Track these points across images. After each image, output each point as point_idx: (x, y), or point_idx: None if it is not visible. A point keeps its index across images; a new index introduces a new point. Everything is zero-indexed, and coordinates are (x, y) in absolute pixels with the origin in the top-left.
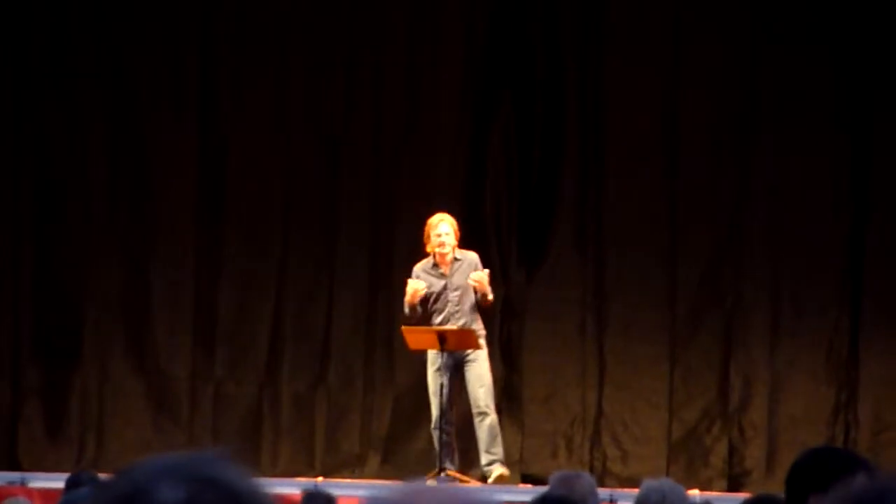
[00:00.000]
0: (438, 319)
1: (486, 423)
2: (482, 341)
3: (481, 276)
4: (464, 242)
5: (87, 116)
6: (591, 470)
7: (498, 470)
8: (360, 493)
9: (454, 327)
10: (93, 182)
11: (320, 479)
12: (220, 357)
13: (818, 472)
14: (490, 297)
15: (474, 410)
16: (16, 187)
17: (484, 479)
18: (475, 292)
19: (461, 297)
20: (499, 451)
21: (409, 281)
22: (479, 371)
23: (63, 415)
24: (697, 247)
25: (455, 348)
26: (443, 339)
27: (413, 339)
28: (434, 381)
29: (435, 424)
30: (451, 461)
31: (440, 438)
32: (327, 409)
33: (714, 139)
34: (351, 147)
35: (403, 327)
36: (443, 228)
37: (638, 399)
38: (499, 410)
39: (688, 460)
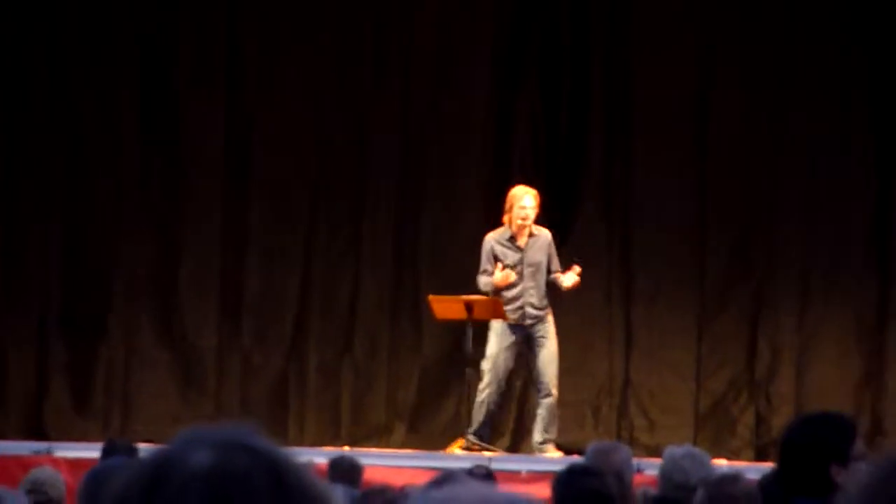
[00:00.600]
0: (512, 293)
1: (549, 402)
2: (550, 318)
3: (576, 280)
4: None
5: (117, 93)
6: (619, 440)
7: (551, 451)
8: (387, 462)
9: (530, 300)
10: (122, 157)
11: (347, 448)
12: (246, 328)
13: (835, 442)
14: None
15: (540, 388)
16: (46, 162)
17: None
18: (555, 279)
19: (535, 273)
20: (554, 431)
21: (505, 272)
22: (552, 349)
23: (90, 386)
24: (726, 218)
25: (482, 318)
26: (470, 308)
27: (440, 308)
28: (501, 353)
29: (486, 395)
30: (483, 434)
31: (487, 409)
32: (353, 380)
33: (744, 113)
34: (379, 122)
35: (430, 296)
36: (527, 202)
37: (665, 369)
38: (525, 382)
39: (715, 430)
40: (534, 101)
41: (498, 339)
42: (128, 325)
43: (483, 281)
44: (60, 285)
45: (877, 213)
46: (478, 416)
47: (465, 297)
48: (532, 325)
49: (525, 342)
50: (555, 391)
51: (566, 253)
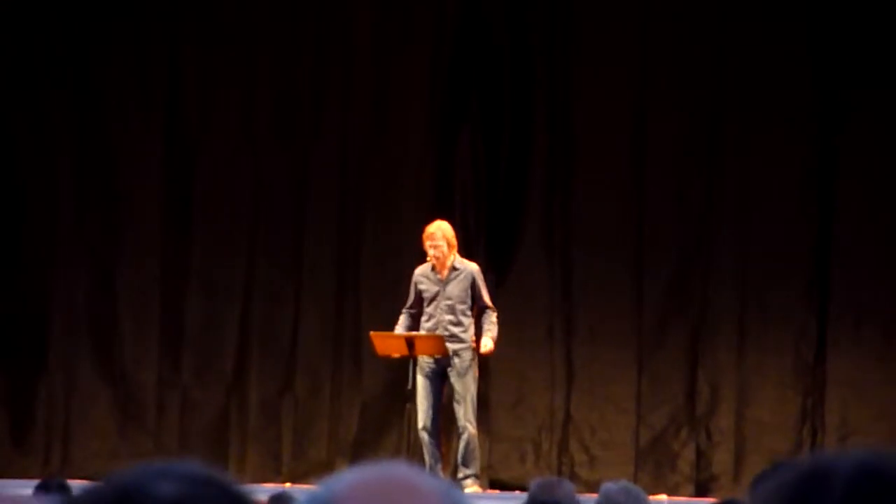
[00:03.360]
0: (428, 325)
1: (464, 438)
2: (468, 353)
3: (489, 349)
4: None
5: (52, 120)
6: (559, 475)
7: (471, 487)
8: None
9: (444, 334)
10: (59, 187)
11: (288, 485)
12: (186, 364)
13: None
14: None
15: (456, 423)
16: None
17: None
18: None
19: (452, 307)
20: (475, 467)
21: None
22: (463, 384)
23: (29, 422)
24: (664, 253)
25: (423, 353)
26: (411, 344)
27: (381, 344)
28: (423, 386)
29: (423, 428)
30: (437, 469)
31: (430, 445)
32: (294, 416)
33: (681, 147)
34: (319, 154)
35: (371, 333)
36: (434, 241)
37: (606, 404)
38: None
39: (655, 465)
40: (475, 136)
41: (420, 371)
42: (67, 360)
43: (400, 319)
44: None
45: (815, 247)
46: (426, 454)
47: (405, 333)
48: (447, 359)
49: (441, 374)
50: (469, 427)
51: (507, 290)
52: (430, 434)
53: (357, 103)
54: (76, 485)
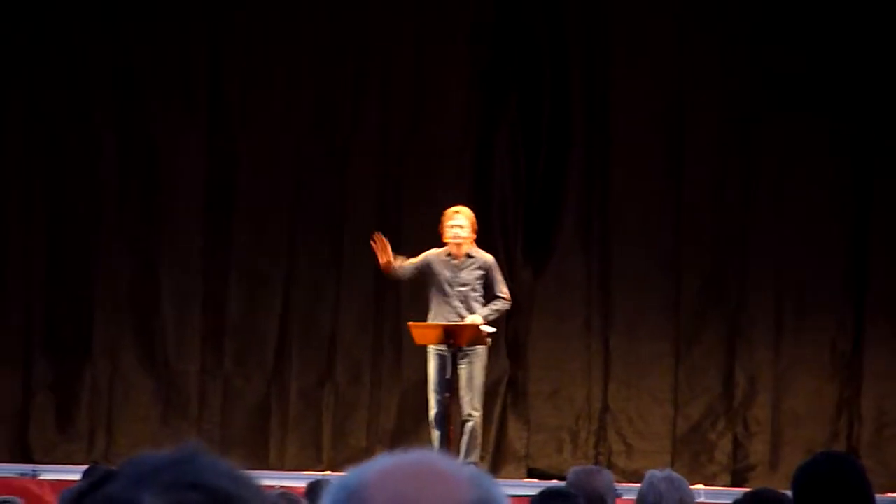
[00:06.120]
0: (444, 311)
1: (468, 427)
2: (488, 330)
3: (476, 322)
4: None
5: (97, 115)
6: (596, 464)
7: None
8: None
9: (455, 320)
10: (103, 179)
11: (328, 473)
12: (228, 352)
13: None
14: (487, 338)
15: (461, 411)
16: (27, 185)
17: None
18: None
19: (465, 293)
20: (474, 455)
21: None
22: (471, 373)
23: (73, 409)
24: (702, 245)
25: (461, 344)
26: (449, 334)
27: (419, 334)
28: (433, 375)
29: (434, 419)
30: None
31: (439, 435)
32: (334, 404)
33: (718, 139)
34: (358, 147)
35: (410, 323)
36: (457, 220)
37: (643, 395)
38: (504, 406)
39: (692, 455)
40: (513, 127)
41: (432, 361)
42: (111, 348)
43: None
44: (44, 307)
45: (852, 238)
46: (435, 443)
47: (444, 323)
48: (458, 351)
49: (452, 362)
50: (474, 415)
51: (544, 282)
52: (440, 424)
53: (396, 100)
54: None
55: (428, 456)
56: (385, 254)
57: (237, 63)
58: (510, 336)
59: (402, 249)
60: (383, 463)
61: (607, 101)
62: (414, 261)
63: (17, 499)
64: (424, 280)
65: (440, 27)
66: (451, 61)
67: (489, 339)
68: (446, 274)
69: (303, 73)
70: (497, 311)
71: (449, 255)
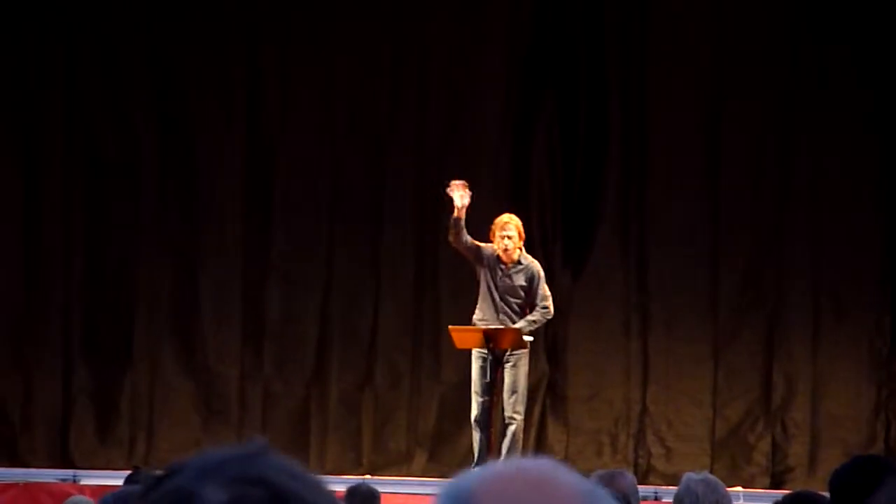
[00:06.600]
0: (488, 315)
1: (510, 431)
2: (527, 339)
3: (520, 328)
4: None
5: (136, 119)
6: (636, 467)
7: None
8: (407, 489)
9: (498, 326)
10: (142, 184)
11: (367, 476)
12: (268, 357)
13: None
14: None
15: (503, 414)
16: (66, 190)
17: None
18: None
19: (511, 299)
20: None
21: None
22: (515, 377)
23: (114, 415)
24: (739, 248)
25: (501, 347)
26: (489, 337)
27: (460, 337)
28: (477, 378)
29: (475, 420)
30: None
31: (480, 436)
32: (374, 408)
33: (755, 141)
34: (396, 149)
35: (450, 327)
36: (508, 231)
37: (682, 397)
38: (543, 410)
39: (731, 458)
40: (550, 130)
41: (475, 363)
42: (151, 354)
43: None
44: (83, 313)
45: (889, 241)
46: (475, 444)
47: (484, 327)
48: (501, 354)
49: (495, 366)
50: (516, 419)
51: (583, 284)
52: (482, 426)
53: (433, 101)
54: None
55: (541, 465)
56: (464, 198)
57: (275, 66)
58: (549, 339)
59: (440, 252)
60: (494, 470)
61: (644, 100)
62: (475, 242)
63: (84, 498)
64: (474, 266)
65: (477, 28)
66: (488, 61)
67: (528, 343)
68: (494, 275)
69: (339, 76)
70: (535, 321)
71: (499, 258)
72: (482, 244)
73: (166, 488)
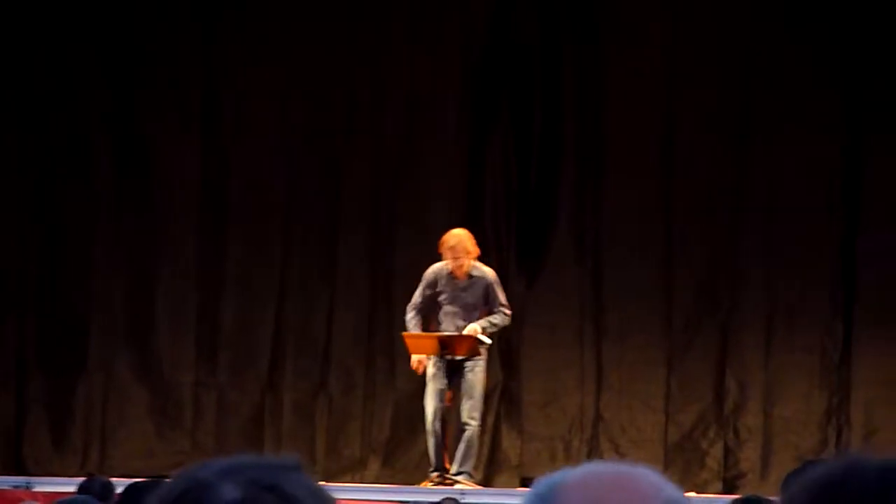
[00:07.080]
0: (443, 327)
1: (465, 435)
2: (479, 355)
3: (474, 331)
4: None
5: (90, 128)
6: None
7: (464, 483)
8: (361, 496)
9: (455, 333)
10: (97, 192)
11: (322, 483)
12: (222, 364)
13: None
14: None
15: (458, 420)
16: (20, 198)
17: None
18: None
19: (467, 312)
20: (469, 464)
21: (419, 362)
22: (471, 382)
23: (68, 422)
24: (693, 255)
25: (456, 354)
26: (444, 344)
27: (414, 343)
28: (432, 383)
29: (430, 426)
30: (443, 465)
31: (435, 441)
32: (328, 415)
33: (710, 150)
34: (351, 157)
35: (404, 333)
36: (455, 252)
37: (635, 403)
38: (498, 416)
39: (684, 463)
40: (505, 137)
41: (430, 369)
42: (106, 362)
43: (409, 316)
44: (36, 322)
45: (841, 247)
46: (431, 449)
47: (438, 334)
48: (458, 360)
49: (451, 372)
50: (472, 424)
51: (537, 293)
52: (437, 432)
53: (388, 109)
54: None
55: (625, 468)
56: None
57: (230, 74)
58: (504, 346)
59: (395, 258)
60: (581, 471)
61: (599, 107)
62: (418, 300)
63: (89, 498)
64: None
65: (431, 40)
66: (443, 70)
67: (483, 350)
68: (449, 292)
69: (294, 82)
70: (496, 324)
71: (451, 273)
72: (427, 274)
73: (187, 477)
